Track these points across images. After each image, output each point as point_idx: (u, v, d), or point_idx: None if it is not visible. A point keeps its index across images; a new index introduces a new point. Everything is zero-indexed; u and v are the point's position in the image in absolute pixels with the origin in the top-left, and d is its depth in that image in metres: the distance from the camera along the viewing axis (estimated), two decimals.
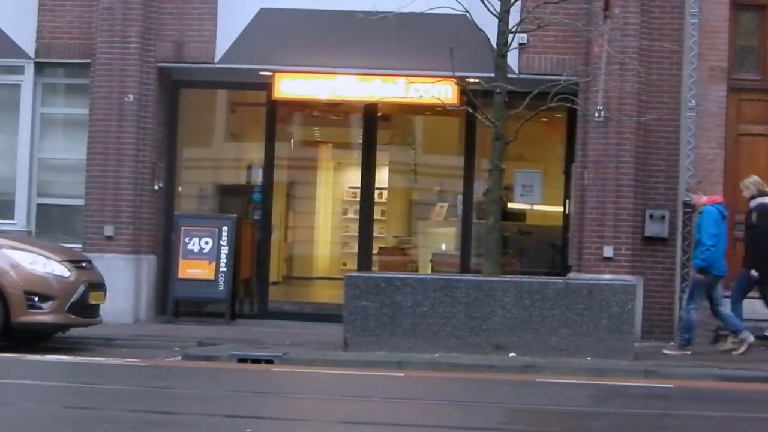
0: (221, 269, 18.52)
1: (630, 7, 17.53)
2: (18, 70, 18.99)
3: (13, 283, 14.83)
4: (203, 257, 18.55)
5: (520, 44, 17.45)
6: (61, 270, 15.11)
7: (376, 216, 20.16)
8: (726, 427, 10.53)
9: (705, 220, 15.55)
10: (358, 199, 19.82)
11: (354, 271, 17.37)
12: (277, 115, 19.67)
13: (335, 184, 22.93)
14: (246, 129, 21.30)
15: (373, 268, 19.20)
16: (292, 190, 22.24)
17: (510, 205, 19.38)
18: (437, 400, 11.73)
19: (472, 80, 17.01)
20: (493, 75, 15.35)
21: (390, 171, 21.61)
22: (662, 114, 17.50)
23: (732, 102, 17.70)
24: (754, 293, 16.24)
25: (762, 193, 15.92)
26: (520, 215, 20.12)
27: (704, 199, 15.81)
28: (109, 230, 18.23)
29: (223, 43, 18.59)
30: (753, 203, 15.95)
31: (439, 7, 15.22)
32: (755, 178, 16.11)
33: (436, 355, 14.48)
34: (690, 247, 17.05)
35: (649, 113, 17.26)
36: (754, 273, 15.75)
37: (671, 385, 13.00)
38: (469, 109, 16.47)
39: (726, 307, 15.70)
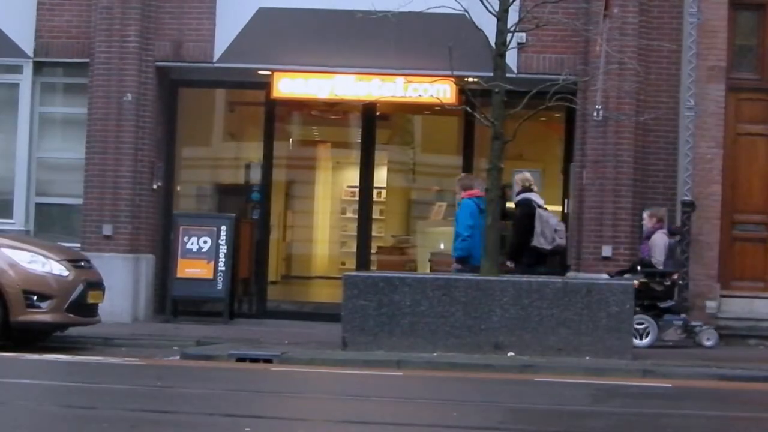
0: (220, 268, 18.53)
1: (629, 7, 17.54)
2: (17, 69, 19.00)
3: (11, 283, 14.82)
4: (202, 256, 18.55)
5: (519, 44, 17.45)
6: (60, 269, 15.10)
7: (375, 215, 20.18)
8: (725, 427, 10.53)
9: (462, 212, 16.48)
10: (357, 198, 19.82)
11: (352, 271, 17.37)
12: (276, 114, 19.69)
13: (334, 184, 22.93)
14: (245, 128, 21.31)
15: (372, 268, 19.21)
16: (290, 190, 22.24)
17: (509, 204, 19.37)
18: (436, 399, 11.72)
19: (470, 80, 17.00)
20: (491, 74, 15.34)
21: (389, 170, 21.63)
22: (661, 113, 17.51)
23: (730, 101, 17.70)
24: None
25: (527, 189, 16.74)
26: None
27: (463, 193, 16.68)
28: (107, 229, 18.23)
29: (222, 42, 18.60)
30: (516, 198, 16.85)
31: (438, 7, 15.20)
32: (525, 174, 17.01)
33: (435, 354, 14.47)
34: (689, 246, 17.08)
35: (647, 113, 17.27)
36: (509, 263, 16.61)
37: (670, 385, 13.00)
38: (468, 109, 16.47)
39: None
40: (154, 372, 13.39)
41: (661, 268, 16.50)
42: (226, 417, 9.89)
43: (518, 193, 16.88)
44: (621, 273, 16.63)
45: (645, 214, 17.02)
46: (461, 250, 16.33)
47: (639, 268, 16.56)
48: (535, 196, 16.78)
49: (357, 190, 19.76)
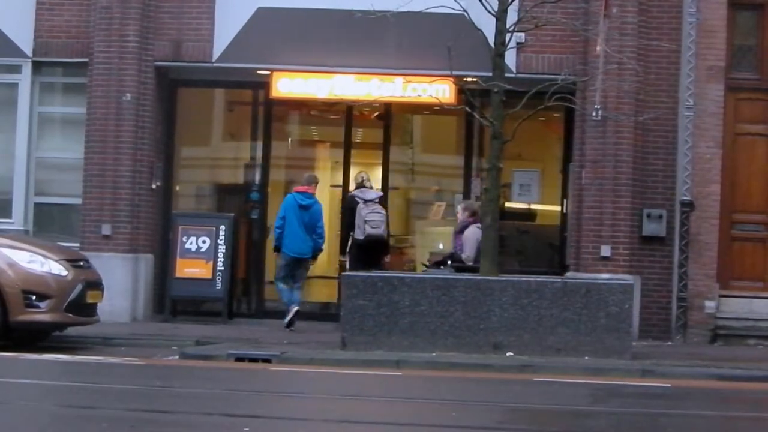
0: (218, 268, 18.52)
1: (628, 7, 17.54)
2: (16, 69, 18.99)
3: (10, 282, 14.82)
4: (201, 256, 18.54)
5: (518, 43, 17.47)
6: (59, 269, 15.09)
7: None
8: (724, 427, 10.53)
9: (281, 206, 17.67)
10: None
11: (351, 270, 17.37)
12: (275, 114, 19.68)
13: (333, 184, 22.85)
14: (243, 128, 21.27)
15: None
16: (289, 190, 22.13)
17: (508, 204, 19.37)
18: (435, 399, 11.72)
19: (469, 79, 17.00)
20: (490, 74, 15.34)
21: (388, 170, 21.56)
22: (660, 113, 17.51)
23: (730, 101, 17.71)
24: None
25: (359, 186, 17.81)
26: (518, 214, 20.10)
27: (296, 187, 17.90)
28: (106, 229, 18.23)
29: (221, 42, 18.60)
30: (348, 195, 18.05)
31: (437, 7, 15.21)
32: (360, 173, 18.10)
33: (434, 354, 14.48)
34: (687, 246, 17.08)
35: (646, 113, 17.27)
36: (341, 257, 17.95)
37: (669, 385, 13.00)
38: (467, 109, 16.48)
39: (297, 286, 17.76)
40: (154, 372, 13.39)
41: (470, 263, 16.46)
42: (225, 417, 9.89)
43: (354, 189, 17.88)
44: (431, 265, 16.74)
45: (459, 207, 17.15)
46: (274, 240, 17.63)
47: (449, 262, 16.60)
48: (360, 191, 17.63)
49: None
